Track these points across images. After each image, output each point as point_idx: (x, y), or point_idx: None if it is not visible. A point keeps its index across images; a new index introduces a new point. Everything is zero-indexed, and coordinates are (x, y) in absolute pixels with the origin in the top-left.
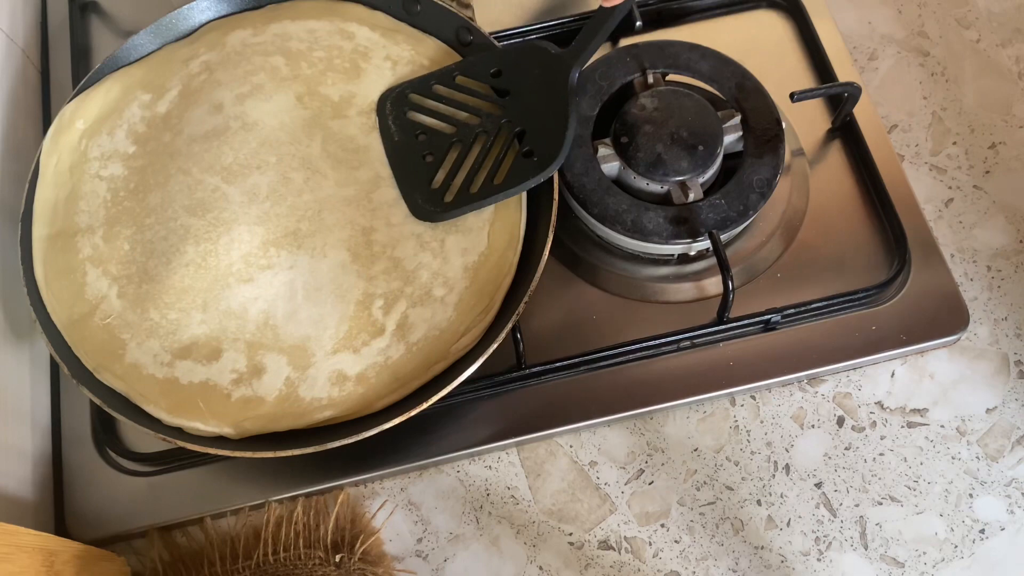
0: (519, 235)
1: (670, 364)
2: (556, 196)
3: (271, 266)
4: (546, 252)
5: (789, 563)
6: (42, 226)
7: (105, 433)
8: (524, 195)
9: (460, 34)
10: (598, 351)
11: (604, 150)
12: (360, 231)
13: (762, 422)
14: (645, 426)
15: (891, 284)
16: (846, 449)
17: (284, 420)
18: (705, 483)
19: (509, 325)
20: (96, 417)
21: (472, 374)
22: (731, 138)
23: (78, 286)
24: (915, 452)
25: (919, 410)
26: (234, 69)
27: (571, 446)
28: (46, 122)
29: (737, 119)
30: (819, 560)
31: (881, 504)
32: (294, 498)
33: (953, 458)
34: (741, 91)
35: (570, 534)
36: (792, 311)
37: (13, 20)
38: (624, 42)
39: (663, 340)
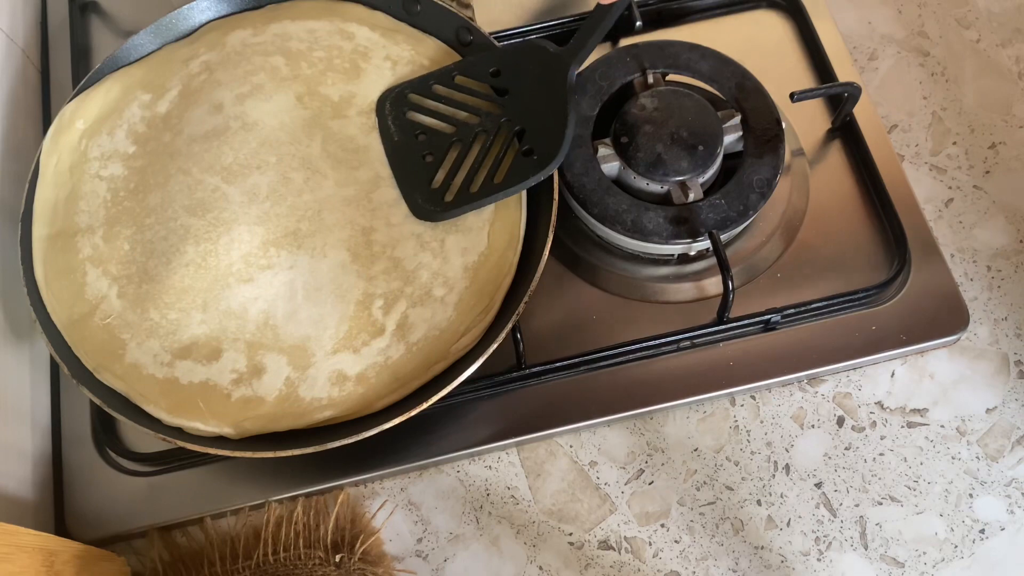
0: (519, 235)
1: (670, 364)
2: (556, 196)
3: (271, 266)
4: (546, 252)
5: (789, 563)
6: (42, 226)
7: (105, 433)
8: (524, 195)
9: (460, 34)
10: (598, 351)
11: (604, 150)
12: (360, 231)
13: (762, 422)
14: (645, 426)
15: (891, 284)
16: (846, 449)
17: (284, 420)
18: (705, 483)
19: (509, 325)
20: (96, 417)
21: (472, 374)
22: (731, 138)
23: (78, 286)
24: (915, 452)
25: (919, 410)
26: (234, 69)
27: (571, 446)
28: (46, 122)
29: (737, 119)
30: (819, 560)
31: (881, 504)
32: (294, 498)
33: (953, 458)
34: (741, 91)
35: (570, 534)
36: (792, 311)
37: (13, 20)
38: (624, 42)
39: (663, 340)
